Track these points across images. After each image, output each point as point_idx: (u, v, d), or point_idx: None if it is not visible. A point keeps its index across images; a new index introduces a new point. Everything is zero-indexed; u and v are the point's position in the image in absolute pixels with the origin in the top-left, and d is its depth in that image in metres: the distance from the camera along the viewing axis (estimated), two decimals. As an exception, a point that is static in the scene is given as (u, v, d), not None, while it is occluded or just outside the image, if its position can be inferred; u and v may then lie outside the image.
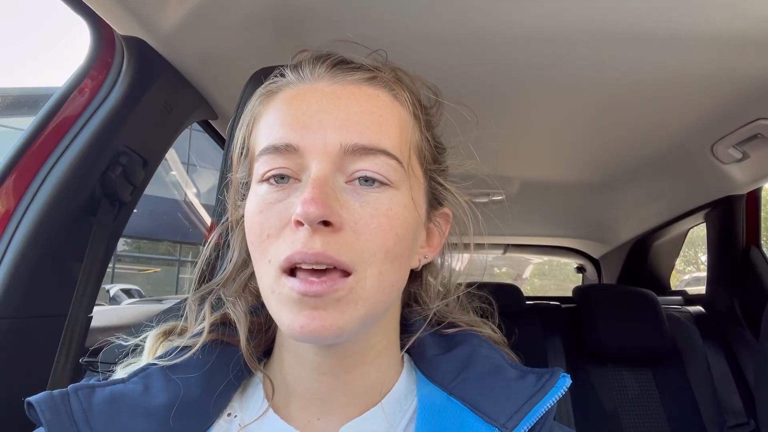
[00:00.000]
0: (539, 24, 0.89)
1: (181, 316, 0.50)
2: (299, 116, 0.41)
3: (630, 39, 0.92)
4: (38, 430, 0.41)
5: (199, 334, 0.46)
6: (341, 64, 0.45)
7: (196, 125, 1.19)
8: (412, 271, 0.47)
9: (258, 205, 0.41)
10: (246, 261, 0.50)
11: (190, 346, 0.45)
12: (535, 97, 1.19)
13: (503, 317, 0.56)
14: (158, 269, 11.33)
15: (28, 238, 0.76)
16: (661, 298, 1.64)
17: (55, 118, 0.82)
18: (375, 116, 0.42)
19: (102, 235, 0.85)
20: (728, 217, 1.59)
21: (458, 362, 0.47)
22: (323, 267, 0.37)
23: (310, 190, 0.37)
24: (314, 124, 0.40)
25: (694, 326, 1.60)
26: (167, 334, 0.49)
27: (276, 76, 0.47)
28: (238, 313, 0.47)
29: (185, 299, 0.50)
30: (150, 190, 0.99)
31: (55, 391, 0.40)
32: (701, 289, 1.90)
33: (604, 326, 1.56)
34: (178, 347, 0.45)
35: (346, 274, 0.38)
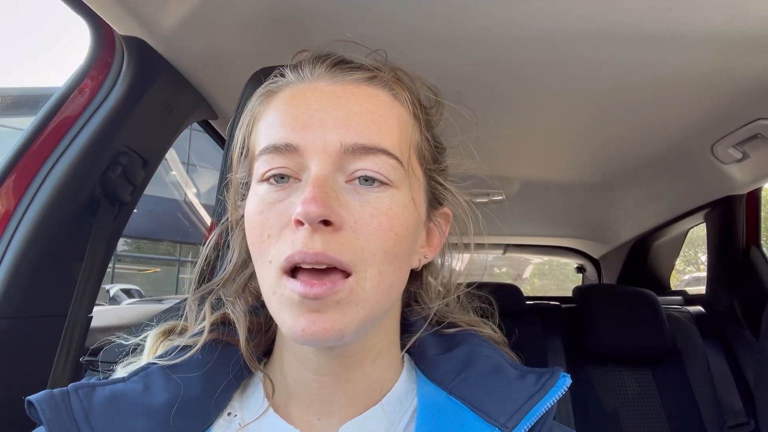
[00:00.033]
0: (539, 24, 0.89)
1: (181, 316, 0.50)
2: (299, 116, 0.41)
3: (630, 39, 0.92)
4: (38, 429, 0.41)
5: (200, 333, 0.46)
6: (341, 64, 0.45)
7: (196, 125, 1.19)
8: (412, 271, 0.47)
9: (258, 206, 0.41)
10: (246, 261, 0.50)
11: (191, 346, 0.45)
12: (535, 97, 1.19)
13: (503, 317, 0.56)
14: (158, 269, 11.33)
15: (28, 238, 0.76)
16: (661, 298, 1.64)
17: (55, 118, 0.82)
18: (375, 116, 0.42)
19: (102, 235, 0.85)
20: (728, 217, 1.59)
21: (458, 362, 0.47)
22: (323, 267, 0.37)
23: (311, 190, 0.37)
24: (314, 124, 0.40)
25: (694, 326, 1.60)
26: (167, 333, 0.49)
27: (276, 76, 0.47)
28: (237, 313, 0.47)
29: (185, 299, 0.50)
30: (150, 190, 0.99)
31: (56, 390, 0.40)
32: (701, 289, 1.90)
33: (604, 326, 1.56)
34: (178, 347, 0.45)
35: (346, 274, 0.38)
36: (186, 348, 0.45)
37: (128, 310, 1.86)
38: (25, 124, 0.82)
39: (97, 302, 0.87)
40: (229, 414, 0.45)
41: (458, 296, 0.54)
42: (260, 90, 0.47)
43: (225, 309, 0.48)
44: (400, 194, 0.41)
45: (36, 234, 0.76)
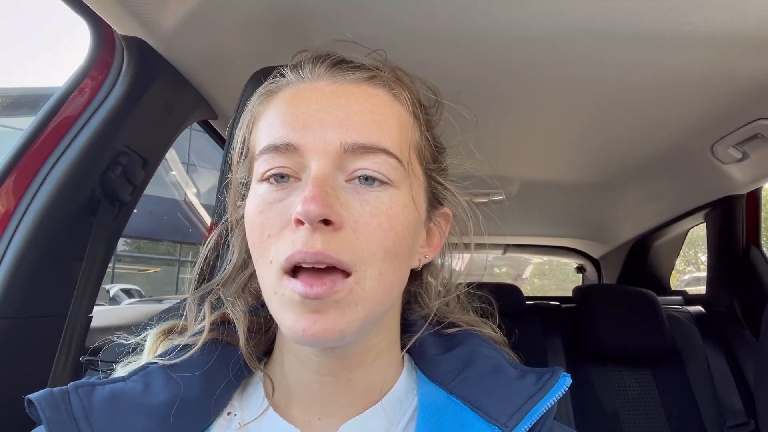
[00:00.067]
0: (539, 24, 0.89)
1: (181, 315, 0.50)
2: (299, 115, 0.41)
3: (630, 39, 0.92)
4: (38, 428, 0.41)
5: (200, 333, 0.46)
6: (341, 64, 0.45)
7: (196, 125, 1.19)
8: (412, 271, 0.47)
9: (258, 205, 0.41)
10: (246, 261, 0.50)
11: (190, 345, 0.45)
12: (535, 97, 1.19)
13: (503, 317, 0.56)
14: (158, 269, 11.33)
15: (28, 238, 0.76)
16: (661, 298, 1.64)
17: (55, 118, 0.82)
18: (375, 115, 0.42)
19: (102, 235, 0.85)
20: (728, 217, 1.59)
21: (458, 362, 0.47)
22: (323, 266, 0.37)
23: (311, 189, 0.37)
24: (314, 123, 0.40)
25: (694, 326, 1.60)
26: (168, 332, 0.49)
27: (276, 76, 0.47)
28: (237, 313, 0.47)
29: (185, 299, 0.50)
30: (150, 190, 0.99)
31: (56, 389, 0.40)
32: (701, 289, 1.90)
33: (604, 326, 1.56)
34: (178, 346, 0.45)
35: (346, 274, 0.38)
36: (186, 347, 0.45)
37: (128, 310, 1.86)
38: (25, 124, 0.82)
39: (97, 302, 0.87)
40: (228, 413, 0.45)
41: (458, 296, 0.54)
42: (260, 90, 0.47)
43: (225, 309, 0.48)
44: (400, 193, 0.41)
45: (36, 234, 0.76)
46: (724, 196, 1.55)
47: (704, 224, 1.76)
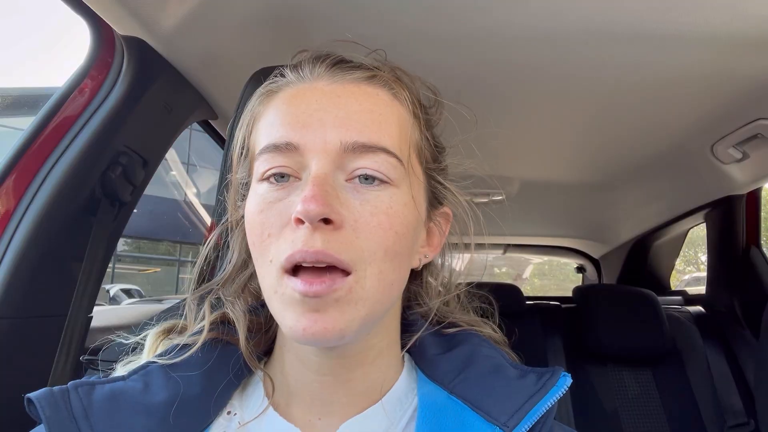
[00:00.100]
0: (539, 24, 0.89)
1: (181, 315, 0.50)
2: (299, 115, 0.41)
3: (630, 39, 0.92)
4: (38, 427, 0.41)
5: (199, 332, 0.46)
6: (341, 64, 0.45)
7: (196, 125, 1.19)
8: (412, 270, 0.47)
9: (258, 205, 0.41)
10: (246, 262, 0.50)
11: (190, 345, 0.45)
12: (535, 97, 1.19)
13: (503, 317, 0.56)
14: (158, 269, 11.33)
15: (28, 238, 0.76)
16: (661, 298, 1.64)
17: (55, 118, 0.82)
18: (375, 115, 0.42)
19: (102, 235, 0.85)
20: (728, 217, 1.59)
21: (459, 361, 0.47)
22: (323, 265, 0.37)
23: (311, 188, 0.37)
24: (314, 123, 0.40)
25: (694, 326, 1.60)
26: (168, 332, 0.49)
27: (276, 76, 0.47)
28: (237, 313, 0.47)
29: (185, 299, 0.50)
30: (150, 190, 0.99)
31: (55, 388, 0.40)
32: (701, 289, 1.90)
33: (604, 326, 1.56)
34: (178, 345, 0.45)
35: (346, 273, 0.38)
36: (186, 347, 0.45)
37: (128, 310, 1.86)
38: (25, 124, 0.82)
39: (97, 302, 0.87)
40: (228, 413, 0.45)
41: (458, 296, 0.54)
42: (260, 90, 0.47)
43: (224, 308, 0.48)
44: (400, 193, 0.41)
45: (36, 234, 0.76)
46: (724, 196, 1.55)
47: (704, 224, 1.76)
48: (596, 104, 1.21)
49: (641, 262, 2.21)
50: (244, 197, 0.46)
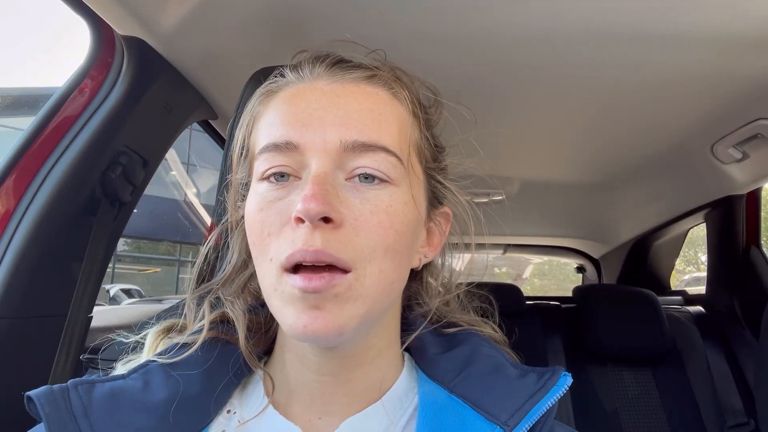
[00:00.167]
0: (539, 24, 0.89)
1: (181, 315, 0.50)
2: (299, 114, 0.41)
3: (630, 39, 0.92)
4: (38, 426, 0.41)
5: (199, 331, 0.46)
6: (340, 63, 0.45)
7: (196, 125, 1.19)
8: (412, 270, 0.47)
9: (258, 204, 0.41)
10: (246, 262, 0.50)
11: (190, 344, 0.45)
12: (535, 97, 1.19)
13: (503, 317, 0.56)
14: (158, 269, 11.34)
15: (28, 238, 0.76)
16: (661, 298, 1.64)
17: (55, 118, 0.82)
18: (374, 114, 0.42)
19: (102, 235, 0.85)
20: (728, 217, 1.59)
21: (459, 361, 0.47)
22: (323, 264, 0.37)
23: (311, 187, 0.37)
24: (314, 122, 0.41)
25: (694, 326, 1.60)
26: (167, 331, 0.49)
27: (276, 76, 0.47)
28: (236, 312, 0.47)
29: (185, 299, 0.50)
30: (150, 190, 0.99)
31: (55, 386, 0.40)
32: (701, 289, 1.90)
33: (604, 326, 1.56)
34: (178, 344, 0.46)
35: (346, 272, 0.38)
36: (185, 346, 0.45)
37: (128, 310, 1.86)
38: (25, 124, 0.82)
39: (97, 302, 0.87)
40: (228, 411, 0.45)
41: (458, 296, 0.54)
42: (260, 90, 0.47)
43: (224, 308, 0.48)
44: (400, 192, 0.41)
45: (36, 234, 0.76)
46: (724, 196, 1.55)
47: (704, 224, 1.76)
48: (596, 104, 1.21)
49: (641, 262, 2.21)
50: (244, 197, 0.46)
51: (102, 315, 1.01)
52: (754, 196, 1.58)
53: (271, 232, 0.39)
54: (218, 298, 0.49)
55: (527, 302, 1.82)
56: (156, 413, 0.41)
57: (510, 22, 0.90)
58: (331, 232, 0.37)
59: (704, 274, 1.82)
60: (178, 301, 0.59)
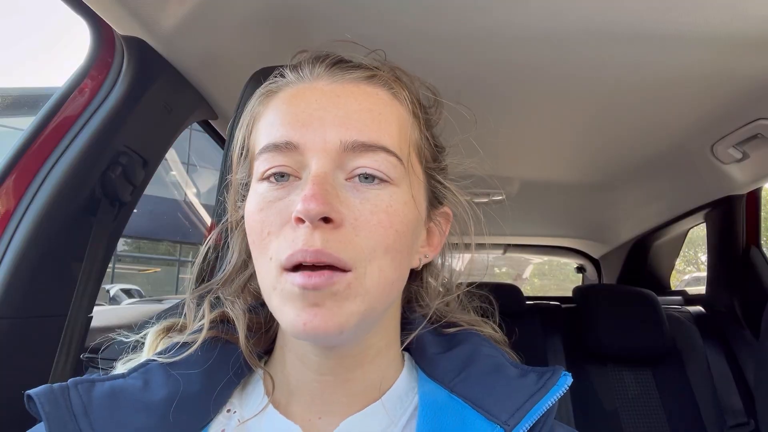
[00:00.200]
0: (539, 24, 0.89)
1: (181, 314, 0.50)
2: (299, 114, 0.41)
3: (630, 39, 0.92)
4: (38, 425, 0.41)
5: (199, 330, 0.46)
6: (340, 64, 0.45)
7: (196, 125, 1.19)
8: (412, 270, 0.47)
9: (258, 204, 0.41)
10: (246, 262, 0.50)
11: (190, 343, 0.45)
12: (535, 97, 1.19)
13: (503, 317, 0.56)
14: (158, 269, 11.34)
15: (28, 238, 0.76)
16: (661, 298, 1.64)
17: (55, 118, 0.82)
18: (374, 114, 0.42)
19: (102, 235, 0.85)
20: (728, 217, 1.59)
21: (459, 361, 0.47)
22: (323, 264, 0.37)
23: (311, 187, 0.37)
24: (314, 122, 0.41)
25: (694, 326, 1.60)
26: (168, 330, 0.49)
27: (276, 76, 0.47)
28: (236, 311, 0.47)
29: (185, 299, 0.50)
30: (150, 190, 0.99)
31: (55, 385, 0.40)
32: (701, 289, 1.90)
33: (604, 326, 1.56)
34: (178, 343, 0.46)
35: (346, 271, 0.38)
36: (186, 345, 0.45)
37: (128, 310, 1.86)
38: (25, 124, 0.82)
39: (97, 302, 0.87)
40: (228, 410, 0.45)
41: (458, 296, 0.54)
42: (260, 90, 0.47)
43: (224, 307, 0.48)
44: (400, 191, 0.41)
45: (36, 234, 0.76)
46: (724, 196, 1.55)
47: (704, 224, 1.76)
48: (596, 104, 1.21)
49: (641, 262, 2.21)
50: (244, 198, 0.46)
51: (102, 315, 1.01)
52: (754, 196, 1.58)
53: (271, 231, 0.39)
54: (218, 297, 0.49)
55: (527, 302, 1.82)
56: (156, 412, 0.41)
57: (510, 22, 0.90)
58: (331, 232, 0.37)
59: (704, 274, 1.82)
60: (178, 301, 0.59)
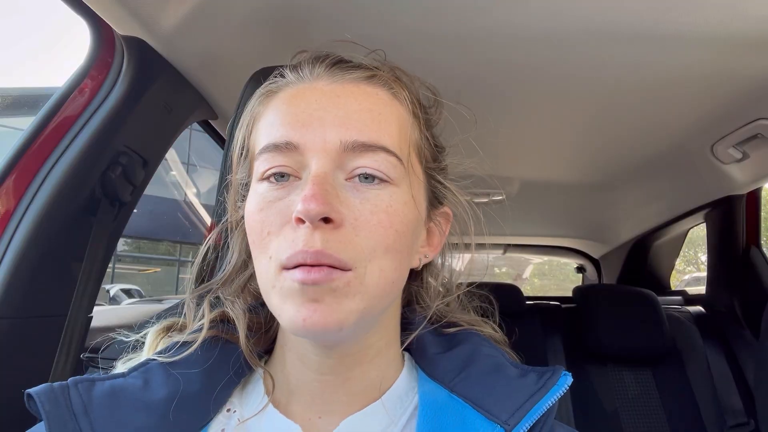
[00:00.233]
0: (539, 24, 0.89)
1: (181, 314, 0.50)
2: (299, 115, 0.41)
3: (630, 39, 0.92)
4: (38, 425, 0.41)
5: (199, 330, 0.46)
6: (340, 64, 0.45)
7: (196, 125, 1.19)
8: (412, 270, 0.47)
9: (258, 204, 0.41)
10: (246, 262, 0.50)
11: (190, 342, 0.45)
12: (535, 97, 1.19)
13: (503, 317, 0.56)
14: (158, 269, 11.34)
15: (28, 238, 0.76)
16: (661, 298, 1.64)
17: (55, 118, 0.82)
18: (374, 114, 0.42)
19: (102, 235, 0.85)
20: (728, 217, 1.59)
21: (459, 360, 0.47)
22: (324, 265, 0.37)
23: (311, 187, 0.37)
24: (314, 123, 0.41)
25: (694, 326, 1.60)
26: (168, 330, 0.49)
27: (275, 77, 0.47)
28: (236, 311, 0.47)
29: (185, 298, 0.50)
30: (150, 190, 0.99)
31: (55, 384, 0.40)
32: (701, 289, 1.90)
33: (604, 326, 1.56)
34: (178, 343, 0.46)
35: (346, 271, 0.38)
36: (186, 344, 0.45)
37: (128, 310, 1.86)
38: (25, 124, 0.82)
39: (97, 302, 0.87)
40: (228, 410, 0.45)
41: (458, 296, 0.54)
42: (260, 90, 0.47)
43: (224, 307, 0.48)
44: (400, 191, 0.41)
45: (36, 234, 0.76)
46: (724, 196, 1.55)
47: (704, 224, 1.76)
48: (596, 104, 1.21)
49: (641, 262, 2.21)
50: (244, 198, 0.46)
51: (102, 315, 1.01)
52: (754, 196, 1.58)
53: (271, 231, 0.39)
54: (218, 297, 0.49)
55: (527, 302, 1.82)
56: (156, 411, 0.41)
57: (510, 22, 0.90)
58: (331, 233, 0.37)
59: (704, 274, 1.82)
60: (178, 301, 0.59)
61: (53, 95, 0.83)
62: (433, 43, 0.96)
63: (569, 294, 1.95)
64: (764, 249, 1.58)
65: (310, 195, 0.37)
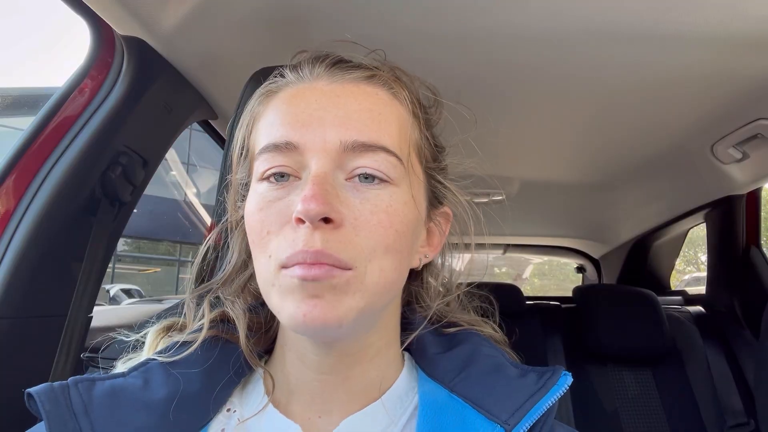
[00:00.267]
0: (539, 24, 0.89)
1: (181, 314, 0.50)
2: (299, 114, 0.41)
3: (630, 39, 0.92)
4: (38, 425, 0.41)
5: (199, 329, 0.46)
6: (340, 64, 0.45)
7: (196, 125, 1.19)
8: (412, 270, 0.47)
9: (258, 204, 0.41)
10: (246, 262, 0.50)
11: (190, 342, 0.45)
12: (535, 97, 1.19)
13: (503, 317, 0.56)
14: (158, 269, 11.34)
15: (28, 238, 0.76)
16: (661, 298, 1.64)
17: (55, 118, 0.82)
18: (374, 114, 0.42)
19: (102, 235, 0.85)
20: (728, 217, 1.59)
21: (459, 360, 0.47)
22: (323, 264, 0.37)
23: (311, 187, 0.37)
24: (314, 123, 0.41)
25: (694, 326, 1.60)
26: (168, 329, 0.49)
27: (275, 77, 0.47)
28: (236, 311, 0.47)
29: (185, 298, 0.50)
30: (150, 190, 0.99)
31: (56, 383, 0.40)
32: (701, 289, 1.90)
33: (604, 326, 1.56)
34: (178, 342, 0.46)
35: (346, 270, 0.38)
36: (186, 344, 0.45)
37: (128, 310, 1.86)
38: (25, 124, 0.82)
39: (97, 302, 0.87)
40: (228, 410, 0.45)
41: (458, 296, 0.54)
42: (260, 90, 0.47)
43: (224, 307, 0.48)
44: (400, 191, 0.41)
45: (36, 234, 0.76)
46: (724, 196, 1.55)
47: (704, 224, 1.76)
48: (596, 104, 1.21)
49: (641, 262, 2.21)
50: (244, 198, 0.46)
51: (102, 315, 1.01)
52: (754, 196, 1.59)
53: (271, 231, 0.39)
54: (218, 297, 0.49)
55: (527, 302, 1.82)
56: (156, 411, 0.41)
57: (510, 22, 0.90)
58: (331, 233, 0.37)
59: (704, 274, 1.82)
60: (178, 301, 0.59)
61: (53, 95, 0.83)
62: (433, 43, 0.96)
63: (569, 294, 1.95)
64: (764, 249, 1.58)
65: (310, 195, 0.37)
